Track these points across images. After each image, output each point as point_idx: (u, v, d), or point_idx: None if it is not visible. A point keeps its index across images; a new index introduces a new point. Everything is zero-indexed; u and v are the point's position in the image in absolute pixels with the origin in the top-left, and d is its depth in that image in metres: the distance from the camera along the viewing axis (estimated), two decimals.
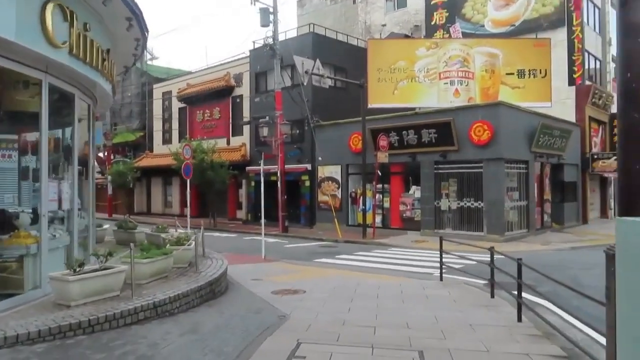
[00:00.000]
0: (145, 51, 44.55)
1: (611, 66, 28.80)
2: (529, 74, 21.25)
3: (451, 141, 17.68)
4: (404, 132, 18.77)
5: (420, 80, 21.64)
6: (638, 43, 2.82)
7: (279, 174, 20.80)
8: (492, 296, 7.88)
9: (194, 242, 8.67)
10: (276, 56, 20.44)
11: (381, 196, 20.26)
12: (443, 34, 26.15)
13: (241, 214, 26.82)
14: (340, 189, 21.53)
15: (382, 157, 18.10)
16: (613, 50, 28.79)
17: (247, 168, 24.90)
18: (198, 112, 29.90)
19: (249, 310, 6.96)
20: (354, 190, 21.34)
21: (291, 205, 23.04)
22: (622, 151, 2.95)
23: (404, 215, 19.69)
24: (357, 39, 27.25)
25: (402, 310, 7.16)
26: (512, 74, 21.30)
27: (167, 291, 6.68)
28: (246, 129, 26.07)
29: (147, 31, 8.50)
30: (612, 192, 28.75)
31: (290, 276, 10.42)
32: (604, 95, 26.07)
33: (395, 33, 28.83)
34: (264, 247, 13.16)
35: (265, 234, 13.87)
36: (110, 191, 32.38)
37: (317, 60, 17.98)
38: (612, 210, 28.32)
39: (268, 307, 7.15)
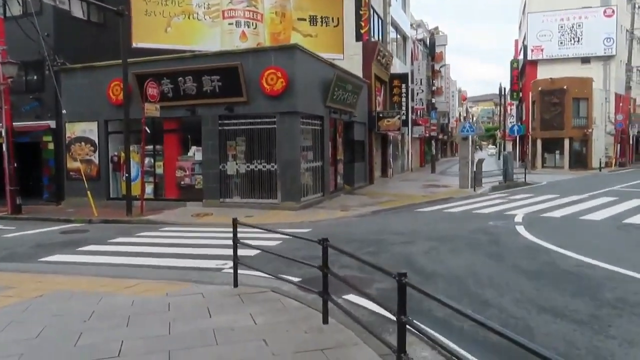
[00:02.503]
0: None
1: (390, 28, 28.90)
2: (322, 22, 19.10)
3: (239, 91, 14.42)
4: (180, 78, 14.78)
5: (199, 17, 17.70)
6: None
7: (4, 134, 14.89)
8: (326, 321, 4.87)
9: None
10: None
11: (152, 160, 16.06)
12: None
13: None
14: (97, 153, 16.57)
15: (152, 109, 13.92)
16: (392, 11, 28.90)
17: None
18: None
19: None
20: (116, 153, 16.65)
21: (29, 176, 17.28)
22: None
23: (182, 183, 15.91)
24: None
25: None
26: (304, 19, 18.87)
27: None
28: None
29: None
30: (391, 151, 29.36)
31: None
32: (387, 54, 25.79)
33: None
34: None
35: None
36: None
37: None
38: (392, 169, 28.97)
39: None
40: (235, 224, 6.29)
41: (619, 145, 38.04)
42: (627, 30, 39.34)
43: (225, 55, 14.94)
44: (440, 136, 54.08)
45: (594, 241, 9.30)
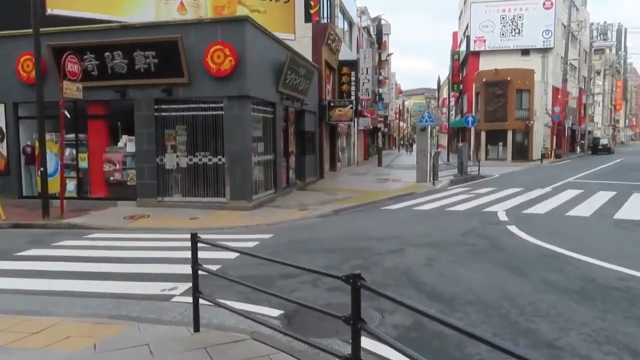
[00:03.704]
0: None
1: (339, 9, 27.40)
2: None
3: (179, 70, 12.30)
4: (106, 54, 12.41)
5: None
6: None
7: None
8: None
9: None
10: None
11: (74, 152, 13.59)
12: None
13: None
14: (5, 142, 13.84)
15: (73, 90, 11.50)
16: None
17: None
18: None
19: None
20: (29, 143, 13.98)
21: None
22: None
23: (112, 178, 13.55)
24: None
25: None
26: None
27: None
28: None
29: None
30: (340, 143, 27.93)
31: None
32: (337, 39, 24.22)
33: None
34: None
35: None
36: None
37: None
38: (340, 163, 27.55)
39: None
40: (195, 240, 4.39)
41: (555, 137, 38.80)
42: (563, 25, 40.16)
43: (161, 26, 12.71)
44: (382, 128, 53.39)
45: (604, 243, 8.18)
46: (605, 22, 69.73)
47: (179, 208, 12.63)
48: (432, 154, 19.54)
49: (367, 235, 9.04)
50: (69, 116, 11.90)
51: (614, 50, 73.91)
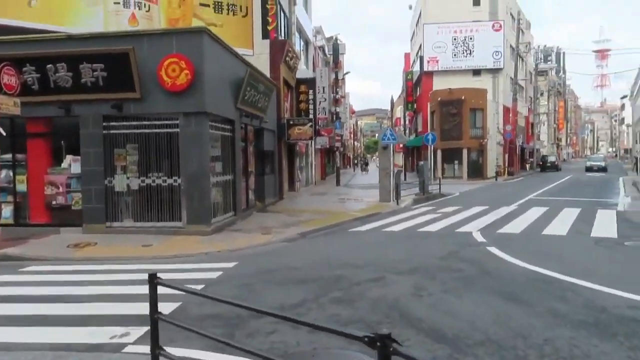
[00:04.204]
0: None
1: (296, 27, 26.99)
2: (228, 10, 16.44)
3: (130, 84, 11.33)
4: (49, 66, 11.29)
5: None
6: None
7: None
8: None
9: None
10: None
11: (11, 173, 12.26)
12: None
13: None
14: None
15: (9, 105, 10.29)
16: (297, 10, 26.99)
17: None
18: None
19: None
20: None
21: None
22: None
23: (54, 202, 12.28)
24: None
25: None
26: (208, 5, 16.05)
27: None
28: None
29: None
30: (299, 163, 27.27)
31: None
32: (295, 56, 23.73)
33: None
34: None
35: None
36: None
37: None
38: (299, 183, 26.85)
39: None
40: (153, 281, 3.54)
41: (507, 155, 39.62)
42: (511, 46, 41.42)
43: (111, 37, 11.71)
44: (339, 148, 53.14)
45: (594, 265, 7.82)
46: (545, 46, 73.13)
47: (131, 234, 11.55)
48: (395, 173, 19.16)
49: (340, 262, 8.33)
50: (4, 134, 10.68)
51: (554, 72, 77.35)
